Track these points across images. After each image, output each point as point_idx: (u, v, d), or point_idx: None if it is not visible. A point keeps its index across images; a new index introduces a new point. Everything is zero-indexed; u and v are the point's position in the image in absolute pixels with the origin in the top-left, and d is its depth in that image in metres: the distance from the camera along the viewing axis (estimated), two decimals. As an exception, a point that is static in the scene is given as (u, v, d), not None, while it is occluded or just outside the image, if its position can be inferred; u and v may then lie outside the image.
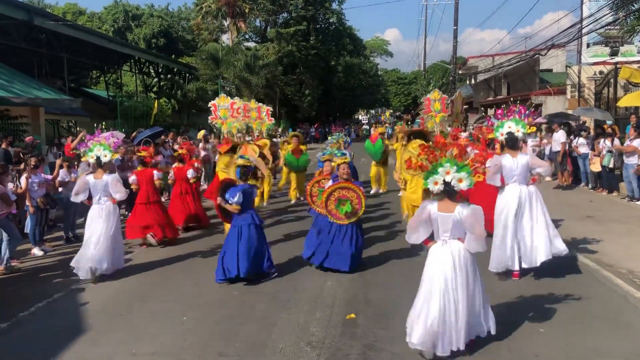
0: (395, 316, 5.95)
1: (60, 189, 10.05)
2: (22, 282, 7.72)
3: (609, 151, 13.27)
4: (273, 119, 15.35)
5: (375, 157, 14.76)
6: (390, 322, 5.81)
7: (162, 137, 16.32)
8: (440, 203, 4.94)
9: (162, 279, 7.67)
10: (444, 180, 4.86)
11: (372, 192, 14.69)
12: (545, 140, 16.48)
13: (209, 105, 14.18)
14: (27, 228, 9.33)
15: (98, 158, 7.72)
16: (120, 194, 7.80)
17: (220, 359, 5.04)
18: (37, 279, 7.86)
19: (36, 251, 9.13)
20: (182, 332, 5.67)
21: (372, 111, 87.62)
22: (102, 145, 7.75)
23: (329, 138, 12.27)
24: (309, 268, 7.77)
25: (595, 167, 13.92)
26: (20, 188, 8.56)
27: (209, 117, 13.93)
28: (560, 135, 15.06)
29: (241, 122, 12.79)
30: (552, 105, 24.12)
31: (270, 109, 14.18)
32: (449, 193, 4.90)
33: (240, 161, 7.48)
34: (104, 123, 9.67)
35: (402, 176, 9.23)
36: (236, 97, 14.50)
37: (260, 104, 15.22)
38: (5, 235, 7.96)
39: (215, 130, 15.72)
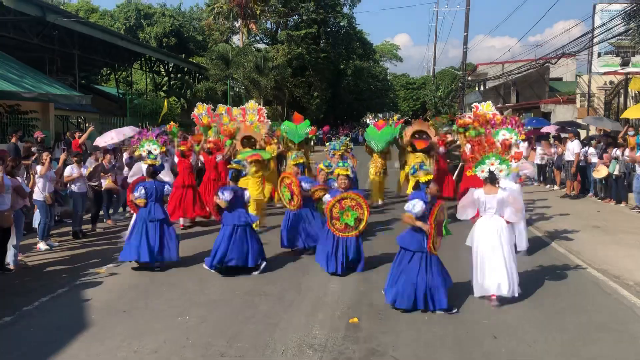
0: (399, 320, 5.94)
1: (68, 184, 10.11)
2: (27, 276, 7.75)
3: (615, 158, 13.21)
4: (269, 120, 15.03)
5: (378, 145, 12.52)
6: (394, 326, 5.79)
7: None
8: (485, 188, 6.46)
9: (166, 276, 7.68)
10: (489, 170, 6.41)
11: (374, 204, 13.17)
12: (553, 149, 16.39)
13: (191, 116, 14.19)
14: (35, 222, 9.39)
15: (149, 151, 9.08)
16: (168, 178, 10.27)
17: (222, 359, 5.04)
18: (42, 274, 7.89)
19: (42, 246, 9.17)
20: (185, 330, 5.67)
21: (380, 115, 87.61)
22: (151, 141, 9.34)
23: (331, 143, 11.84)
24: (313, 270, 7.76)
25: (599, 174, 13.85)
26: (31, 181, 8.62)
27: (194, 128, 14.07)
28: (575, 145, 14.94)
29: (231, 124, 12.82)
30: (561, 114, 24.05)
31: (264, 108, 13.95)
32: (492, 179, 6.44)
33: (234, 165, 8.17)
34: (149, 124, 10.53)
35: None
36: (219, 105, 14.41)
37: (260, 106, 14.93)
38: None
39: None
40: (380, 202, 13.45)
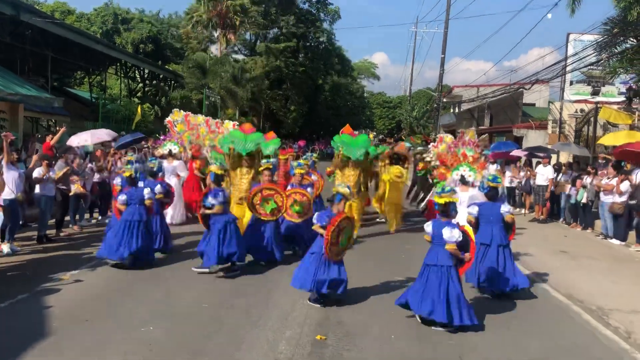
0: (366, 338, 5.91)
1: (37, 187, 9.87)
2: (-14, 280, 7.50)
3: (583, 186, 13.49)
4: None
5: (356, 152, 10.93)
6: (360, 343, 5.75)
7: (142, 142, 16.17)
8: (460, 187, 8.71)
9: (131, 286, 7.51)
10: (461, 174, 9.21)
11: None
12: (522, 173, 16.64)
13: (165, 122, 13.92)
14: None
15: (170, 150, 11.33)
16: (183, 173, 12.44)
17: (185, 373, 4.93)
18: (3, 278, 7.64)
19: (5, 248, 8.89)
20: (148, 342, 5.54)
21: (357, 132, 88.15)
22: (172, 142, 11.65)
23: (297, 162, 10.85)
24: (283, 285, 7.67)
25: (561, 189, 14.30)
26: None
27: (162, 137, 13.89)
28: (549, 171, 15.21)
29: (208, 136, 12.74)
30: (533, 139, 24.47)
31: (237, 123, 13.79)
32: (463, 181, 9.02)
33: (214, 168, 8.69)
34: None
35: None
36: (198, 115, 14.23)
37: (234, 122, 14.85)
38: None
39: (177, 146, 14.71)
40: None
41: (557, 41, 70.96)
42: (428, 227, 6.49)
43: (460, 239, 6.19)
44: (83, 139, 12.41)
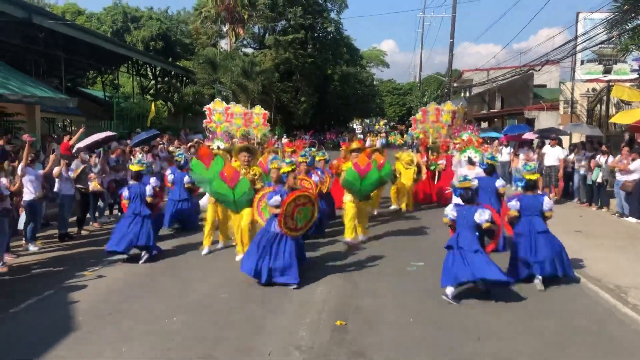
0: (385, 323, 6.02)
1: (56, 186, 10.10)
2: (13, 278, 7.72)
3: (598, 166, 13.43)
4: (268, 124, 15.61)
5: (361, 193, 9.41)
6: (380, 329, 5.86)
7: (158, 139, 16.38)
8: (468, 167, 10.38)
9: (151, 279, 7.69)
10: (468, 156, 10.84)
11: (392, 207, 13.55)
12: (535, 156, 16.55)
13: (204, 108, 14.54)
14: (20, 224, 9.36)
15: (218, 147, 11.41)
16: None
17: (209, 361, 5.08)
18: (29, 276, 7.87)
19: (30, 246, 9.15)
20: (170, 333, 5.70)
21: (367, 120, 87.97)
22: (219, 140, 11.93)
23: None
24: (300, 273, 7.79)
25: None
26: (14, 185, 8.60)
27: (204, 121, 14.36)
28: (558, 151, 15.17)
29: (242, 128, 13.22)
30: (545, 120, 24.31)
31: (267, 113, 14.37)
32: (470, 161, 10.61)
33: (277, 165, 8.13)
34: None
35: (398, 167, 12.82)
36: (232, 102, 14.79)
37: (265, 111, 15.57)
38: None
39: (209, 134, 15.77)
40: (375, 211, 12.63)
41: (567, 21, 69.94)
42: (452, 211, 7.02)
43: (489, 217, 6.77)
44: (82, 143, 12.57)
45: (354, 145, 10.98)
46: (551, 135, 16.13)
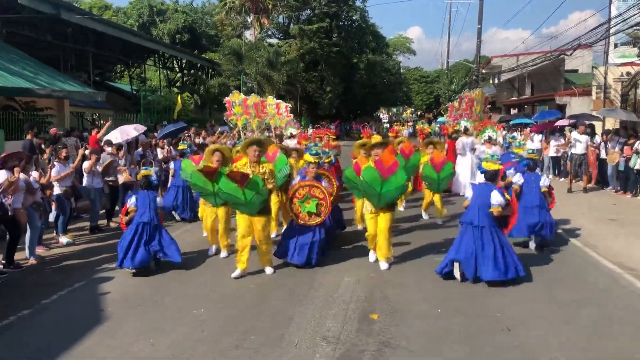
0: (413, 314, 5.95)
1: (85, 180, 10.25)
2: (45, 270, 7.87)
3: (636, 152, 13.05)
4: (292, 115, 15.64)
5: (379, 202, 7.48)
6: (407, 319, 5.80)
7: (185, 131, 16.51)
8: (486, 144, 12.91)
9: (178, 271, 7.71)
10: (488, 135, 13.21)
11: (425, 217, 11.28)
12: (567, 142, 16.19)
13: (224, 101, 14.64)
14: (52, 217, 9.53)
15: (291, 132, 12.41)
16: None
17: (236, 352, 5.08)
18: (60, 268, 8.01)
19: (63, 239, 9.32)
20: (199, 324, 5.73)
21: (394, 109, 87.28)
22: (292, 126, 12.51)
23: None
24: (327, 264, 7.77)
25: (611, 158, 13.83)
26: (44, 178, 8.75)
27: (225, 114, 14.45)
28: (586, 138, 14.81)
29: (256, 119, 13.23)
30: (577, 106, 23.77)
31: (290, 105, 14.36)
32: (490, 139, 12.97)
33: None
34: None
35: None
36: (253, 94, 14.84)
37: (279, 100, 15.56)
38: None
39: (232, 126, 15.99)
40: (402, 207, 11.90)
41: (599, 3, 68.11)
42: (469, 191, 7.20)
43: (504, 202, 6.81)
44: (114, 137, 12.72)
45: (375, 139, 10.07)
46: (580, 122, 15.76)
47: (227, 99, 14.56)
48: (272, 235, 8.52)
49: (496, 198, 6.73)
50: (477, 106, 15.12)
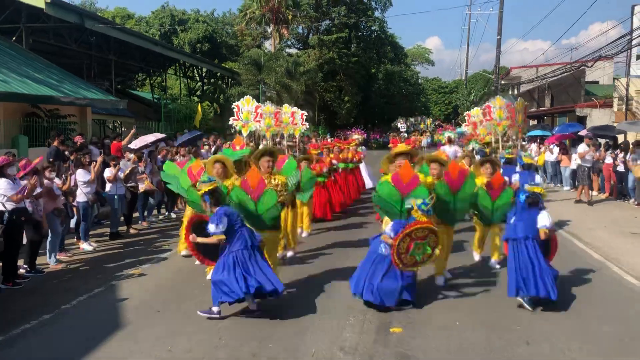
0: (430, 325, 5.91)
1: (107, 187, 10.39)
2: (66, 276, 7.97)
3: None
4: (307, 123, 15.59)
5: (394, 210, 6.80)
6: (424, 331, 5.76)
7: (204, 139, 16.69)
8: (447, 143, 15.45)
9: (198, 278, 7.76)
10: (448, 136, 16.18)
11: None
12: (598, 154, 15.76)
13: (233, 106, 14.58)
14: (73, 223, 9.67)
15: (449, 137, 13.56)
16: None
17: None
18: (80, 274, 8.11)
19: (85, 246, 9.44)
20: (217, 331, 5.75)
21: (412, 119, 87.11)
22: (449, 131, 12.98)
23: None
24: (345, 275, 7.74)
25: (637, 171, 13.64)
26: (66, 184, 8.89)
27: (231, 118, 14.40)
28: (585, 148, 14.76)
29: (273, 128, 13.17)
30: (598, 118, 23.53)
31: (306, 113, 14.30)
32: (450, 140, 16.03)
33: (204, 187, 6.14)
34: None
35: None
36: (267, 103, 14.79)
37: (295, 108, 15.48)
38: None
39: (231, 132, 15.83)
40: None
41: (621, 14, 67.35)
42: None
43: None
44: (133, 144, 12.91)
45: (400, 148, 8.86)
46: (608, 134, 15.59)
47: (236, 103, 14.52)
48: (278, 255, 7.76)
49: (543, 220, 6.48)
50: (519, 115, 14.74)
